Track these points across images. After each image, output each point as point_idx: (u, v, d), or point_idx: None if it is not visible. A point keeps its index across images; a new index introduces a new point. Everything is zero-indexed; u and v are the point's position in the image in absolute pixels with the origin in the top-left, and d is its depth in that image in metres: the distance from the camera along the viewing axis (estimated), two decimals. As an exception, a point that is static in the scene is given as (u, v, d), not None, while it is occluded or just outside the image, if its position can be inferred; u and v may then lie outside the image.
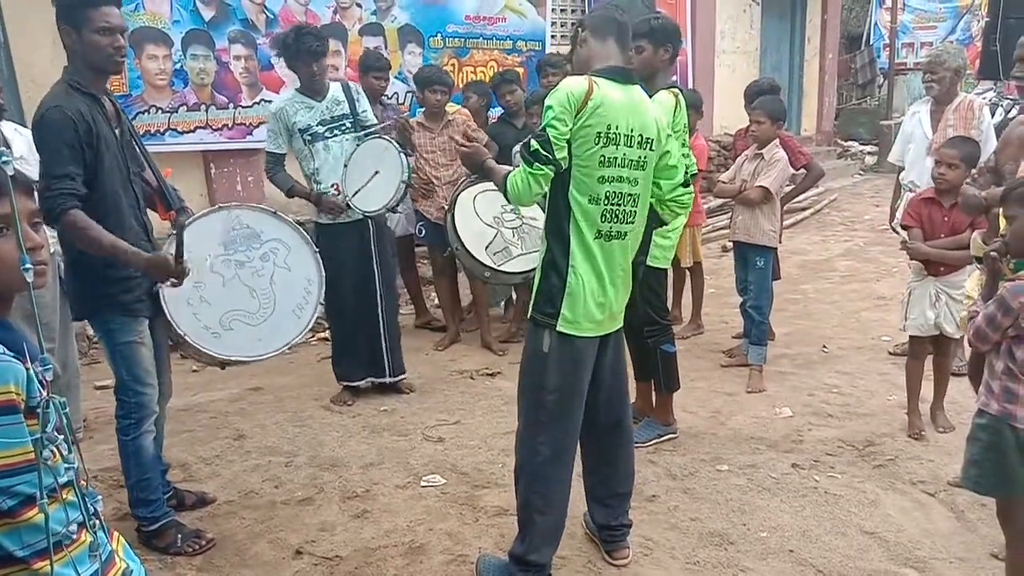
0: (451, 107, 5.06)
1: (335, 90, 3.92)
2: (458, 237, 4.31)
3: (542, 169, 2.32)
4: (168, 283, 2.60)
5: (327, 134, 3.89)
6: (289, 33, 3.80)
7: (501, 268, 4.30)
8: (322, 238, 3.93)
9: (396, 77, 6.41)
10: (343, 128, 3.91)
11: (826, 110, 12.55)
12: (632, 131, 2.37)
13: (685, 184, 2.64)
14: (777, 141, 4.33)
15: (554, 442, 2.48)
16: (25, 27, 4.95)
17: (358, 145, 3.89)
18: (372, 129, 3.95)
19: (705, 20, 9.83)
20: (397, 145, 3.80)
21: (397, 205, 3.87)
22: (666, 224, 2.75)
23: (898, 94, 13.06)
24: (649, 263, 3.39)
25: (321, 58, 3.78)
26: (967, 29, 14.20)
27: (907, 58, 14.67)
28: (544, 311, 2.44)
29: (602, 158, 2.34)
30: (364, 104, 3.98)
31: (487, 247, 4.32)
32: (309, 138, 3.88)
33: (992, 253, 2.43)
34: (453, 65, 6.94)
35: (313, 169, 3.94)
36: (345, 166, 3.87)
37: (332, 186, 3.91)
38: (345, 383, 4.22)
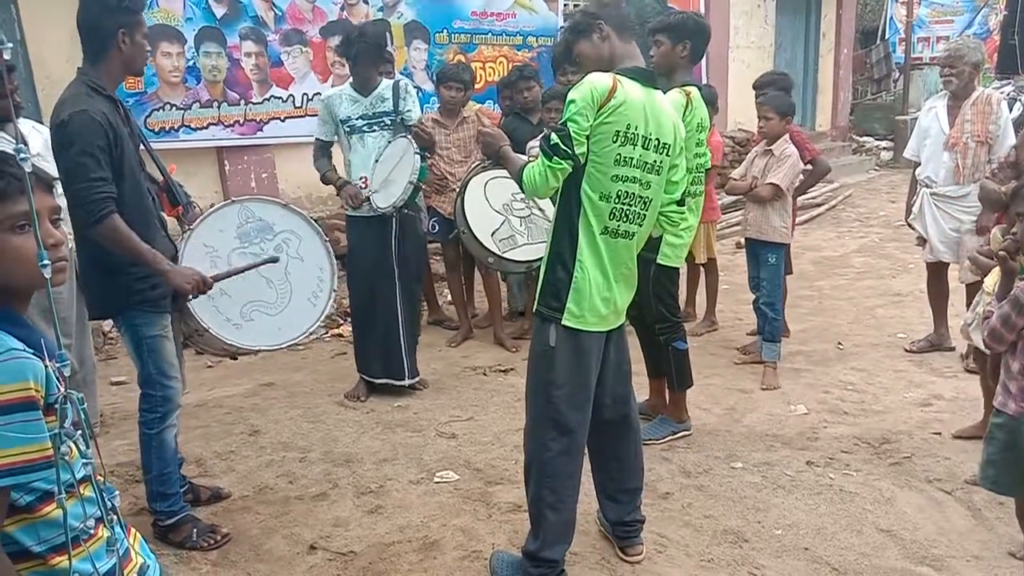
0: (472, 105, 5.11)
1: (384, 87, 4.00)
2: (466, 221, 4.31)
3: (560, 164, 2.31)
4: (189, 296, 2.64)
5: (365, 128, 3.97)
6: (352, 32, 3.93)
7: (505, 255, 4.30)
8: (349, 229, 4.20)
9: (402, 72, 6.43)
10: (382, 124, 3.98)
11: (841, 105, 12.45)
12: (650, 134, 2.36)
13: (680, 203, 2.62)
14: (787, 136, 4.30)
15: (563, 437, 2.48)
16: (41, 25, 4.99)
17: (389, 143, 3.96)
18: (411, 128, 4.00)
19: (719, 15, 9.77)
20: (416, 146, 3.82)
21: (405, 205, 3.90)
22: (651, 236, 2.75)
23: (914, 89, 12.95)
24: (660, 261, 3.37)
25: (370, 65, 3.91)
26: (984, 23, 14.05)
27: (923, 53, 14.55)
28: (550, 304, 2.44)
29: (618, 156, 2.33)
30: (409, 104, 4.00)
31: (493, 233, 4.32)
32: (348, 130, 3.99)
33: (1001, 252, 2.40)
34: (459, 61, 6.94)
35: (347, 160, 4.07)
36: (376, 162, 3.95)
37: (361, 179, 3.98)
38: (364, 375, 4.23)
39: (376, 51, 3.91)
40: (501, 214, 4.40)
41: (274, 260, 2.96)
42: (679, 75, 3.36)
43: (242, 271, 2.86)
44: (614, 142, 2.31)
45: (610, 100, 2.27)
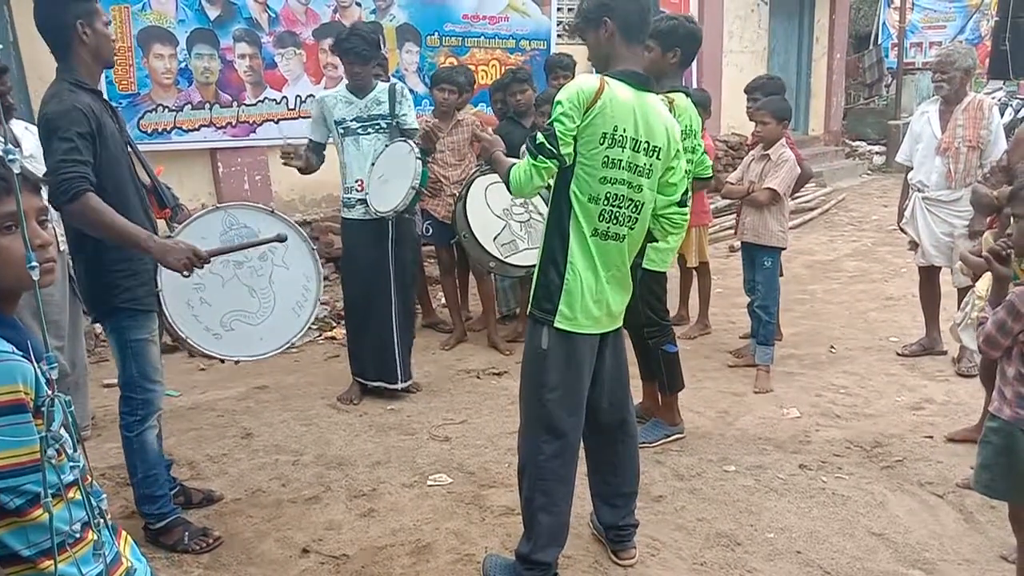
0: (469, 108, 5.11)
1: (379, 90, 3.99)
2: (468, 225, 4.31)
3: (545, 163, 2.32)
4: (183, 272, 2.53)
5: (360, 131, 3.96)
6: (343, 31, 3.90)
7: (507, 260, 4.31)
8: (345, 232, 4.17)
9: (394, 75, 6.43)
10: (377, 127, 3.96)
11: (834, 110, 12.50)
12: (640, 136, 2.36)
13: (681, 204, 2.62)
14: (784, 141, 4.31)
15: (556, 440, 2.47)
16: (33, 26, 4.95)
17: (387, 146, 3.95)
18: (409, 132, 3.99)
19: (712, 19, 9.81)
20: (417, 151, 3.82)
21: (406, 210, 3.89)
22: (656, 241, 2.73)
23: (906, 94, 13.02)
24: (646, 266, 3.37)
25: (366, 62, 3.88)
26: (976, 28, 14.15)
27: (916, 58, 14.63)
28: (542, 307, 2.44)
29: (606, 159, 2.33)
30: (405, 108, 3.99)
31: (495, 238, 4.33)
32: (342, 132, 3.98)
33: (986, 254, 2.40)
34: (451, 64, 6.92)
35: (342, 162, 4.05)
36: (372, 164, 3.94)
37: (357, 182, 3.97)
38: (358, 378, 4.23)
39: (369, 47, 3.86)
40: (502, 219, 4.41)
41: (281, 240, 2.88)
42: (667, 81, 3.34)
43: (243, 248, 2.79)
44: (601, 144, 2.31)
45: (596, 102, 2.28)
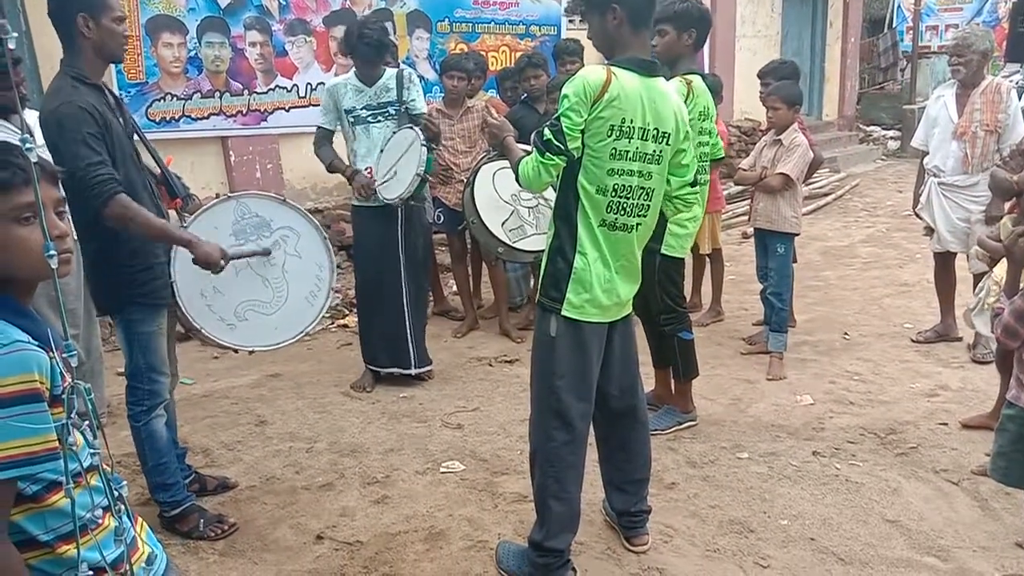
0: (482, 95, 5.10)
1: (387, 77, 3.98)
2: (476, 210, 4.31)
3: (553, 159, 2.30)
4: (214, 268, 2.64)
5: (370, 119, 3.96)
6: (351, 31, 3.90)
7: (515, 245, 4.31)
8: (355, 219, 4.19)
9: (404, 61, 6.41)
10: (387, 114, 3.97)
11: (848, 94, 12.38)
12: (648, 124, 2.33)
13: (693, 184, 2.60)
14: (796, 126, 4.27)
15: (566, 427, 2.48)
16: (46, 17, 4.97)
17: (393, 133, 3.95)
18: (417, 119, 4.00)
19: (726, 4, 9.71)
20: (423, 138, 3.81)
21: (412, 197, 3.89)
22: (666, 217, 2.73)
23: (921, 78, 12.88)
24: (664, 252, 3.36)
25: (374, 63, 3.91)
26: (994, 11, 13.94)
27: (931, 41, 14.45)
28: (550, 295, 2.44)
29: (614, 150, 2.31)
30: (414, 94, 4.00)
31: (503, 223, 4.33)
32: (352, 120, 3.98)
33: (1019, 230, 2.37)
34: (461, 50, 6.89)
35: (352, 150, 4.06)
36: (381, 151, 3.94)
37: (367, 169, 3.99)
38: (370, 365, 4.24)
39: (378, 51, 3.89)
40: (510, 204, 4.40)
41: (266, 253, 2.97)
42: (683, 63, 3.35)
43: (252, 255, 2.89)
44: (609, 136, 2.29)
45: (604, 94, 2.25)
